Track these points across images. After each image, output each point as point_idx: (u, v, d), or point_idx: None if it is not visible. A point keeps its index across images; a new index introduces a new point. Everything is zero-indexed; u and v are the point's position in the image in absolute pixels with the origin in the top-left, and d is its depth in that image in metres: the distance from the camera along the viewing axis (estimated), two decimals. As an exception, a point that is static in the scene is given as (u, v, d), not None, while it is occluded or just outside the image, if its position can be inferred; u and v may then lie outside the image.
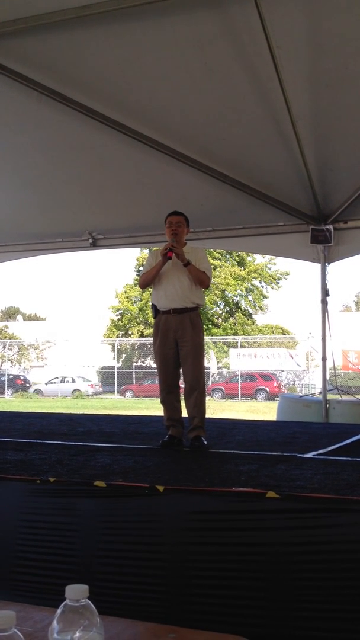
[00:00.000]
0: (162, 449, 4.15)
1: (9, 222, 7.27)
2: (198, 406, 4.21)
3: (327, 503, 2.36)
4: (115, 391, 28.16)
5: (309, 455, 3.89)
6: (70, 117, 5.20)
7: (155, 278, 4.28)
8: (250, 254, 29.20)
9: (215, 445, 4.32)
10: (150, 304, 4.68)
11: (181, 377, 4.38)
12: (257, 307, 33.22)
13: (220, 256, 30.65)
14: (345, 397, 7.92)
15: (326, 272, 6.76)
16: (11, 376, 29.83)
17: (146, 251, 24.69)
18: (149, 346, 27.66)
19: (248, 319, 32.31)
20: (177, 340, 4.22)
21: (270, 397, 24.76)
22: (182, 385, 4.37)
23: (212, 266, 29.86)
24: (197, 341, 4.25)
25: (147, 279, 4.34)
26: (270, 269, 31.60)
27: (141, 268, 5.20)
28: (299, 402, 8.12)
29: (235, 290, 31.26)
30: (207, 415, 4.40)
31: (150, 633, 1.36)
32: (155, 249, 4.79)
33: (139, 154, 5.61)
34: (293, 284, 67.94)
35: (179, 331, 4.20)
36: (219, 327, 31.55)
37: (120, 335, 32.08)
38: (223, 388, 27.17)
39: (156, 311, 4.34)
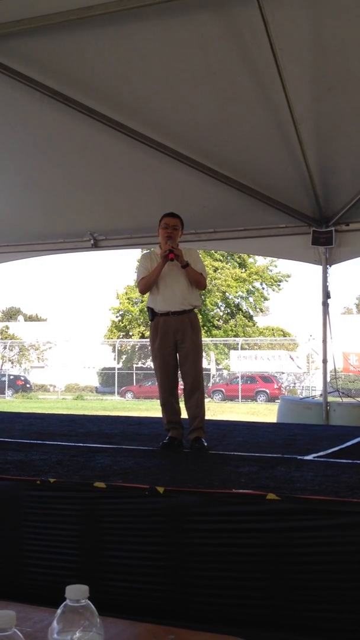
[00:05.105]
0: (162, 450, 4.14)
1: (11, 223, 7.27)
2: (200, 407, 4.19)
3: (327, 505, 2.35)
4: (116, 392, 28.17)
5: (309, 457, 3.88)
6: (73, 118, 5.20)
7: (156, 281, 4.24)
8: (251, 255, 29.19)
9: (216, 446, 4.32)
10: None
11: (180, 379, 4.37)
12: (258, 309, 33.22)
13: (221, 258, 30.63)
14: (345, 400, 7.92)
15: (327, 274, 6.75)
16: (12, 377, 29.85)
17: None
18: (149, 347, 27.52)
19: (249, 321, 32.29)
20: (176, 341, 4.20)
21: (271, 399, 24.74)
22: (180, 387, 4.37)
23: (213, 268, 29.76)
24: (197, 342, 4.25)
25: (149, 282, 4.24)
26: (271, 271, 31.58)
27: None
28: (299, 404, 8.11)
29: (236, 292, 31.25)
30: (207, 417, 4.39)
31: (150, 634, 1.36)
32: (147, 251, 4.75)
33: (141, 155, 5.62)
34: (294, 286, 67.87)
35: (179, 332, 4.18)
36: (220, 329, 31.53)
37: (121, 337, 32.08)
38: (223, 390, 27.15)
39: (153, 314, 4.30)
